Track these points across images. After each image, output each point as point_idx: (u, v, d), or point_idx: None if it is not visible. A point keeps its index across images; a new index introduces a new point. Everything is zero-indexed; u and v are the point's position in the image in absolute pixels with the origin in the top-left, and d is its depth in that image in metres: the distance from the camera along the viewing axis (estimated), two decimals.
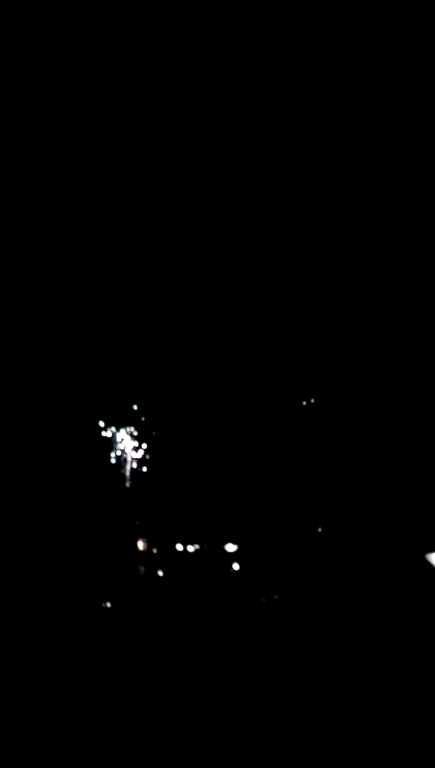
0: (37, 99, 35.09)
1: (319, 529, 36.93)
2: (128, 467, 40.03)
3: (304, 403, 36.99)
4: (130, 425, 39.55)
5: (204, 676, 16.53)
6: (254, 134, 36.37)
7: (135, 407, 39.21)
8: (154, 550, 40.47)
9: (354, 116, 34.97)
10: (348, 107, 34.89)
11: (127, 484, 40.19)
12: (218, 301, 37.87)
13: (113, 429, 39.30)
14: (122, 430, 39.67)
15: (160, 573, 39.85)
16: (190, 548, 40.08)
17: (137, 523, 40.15)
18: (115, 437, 39.60)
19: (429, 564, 33.15)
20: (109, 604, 34.16)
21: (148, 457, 40.12)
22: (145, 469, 40.16)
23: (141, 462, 40.07)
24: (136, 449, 39.83)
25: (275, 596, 33.91)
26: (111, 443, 39.48)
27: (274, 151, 36.44)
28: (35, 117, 35.44)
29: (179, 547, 40.06)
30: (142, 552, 40.46)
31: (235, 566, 38.71)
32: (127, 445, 39.81)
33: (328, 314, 36.77)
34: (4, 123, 34.81)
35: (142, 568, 40.03)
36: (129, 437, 39.54)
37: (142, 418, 39.44)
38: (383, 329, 36.31)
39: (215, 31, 33.76)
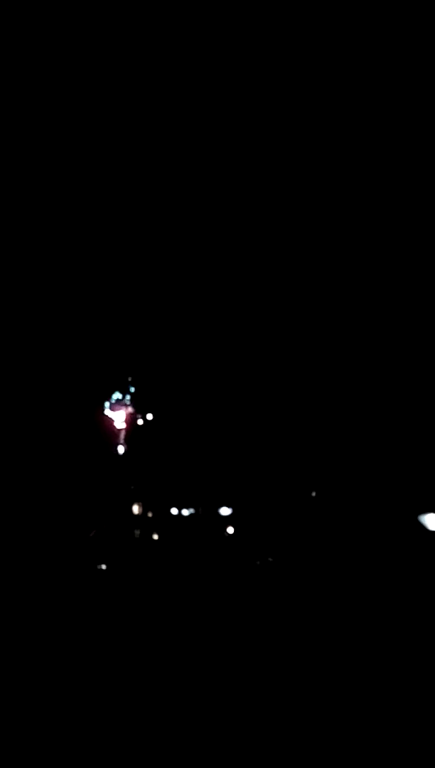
0: (38, 99, 34.77)
1: (313, 494, 37.23)
2: (123, 433, 40.16)
3: (300, 384, 37.17)
4: (124, 393, 39.65)
5: (200, 649, 16.74)
6: (254, 134, 36.14)
7: (129, 378, 39.36)
8: (150, 514, 40.75)
9: (354, 116, 34.76)
10: (348, 107, 34.66)
11: (122, 450, 40.34)
12: (218, 296, 37.93)
13: (108, 398, 39.42)
14: (117, 398, 39.76)
15: (156, 536, 40.15)
16: (185, 512, 40.37)
17: (132, 487, 40.36)
18: (110, 405, 39.70)
19: (422, 524, 33.53)
20: (104, 566, 34.49)
21: (143, 423, 40.26)
22: (140, 434, 40.31)
23: (136, 428, 40.20)
24: (131, 416, 39.96)
25: (270, 559, 34.25)
26: (106, 412, 39.60)
27: (274, 151, 36.23)
28: (35, 117, 35.14)
29: (174, 511, 40.36)
30: (138, 516, 40.73)
31: (230, 530, 39.05)
32: (122, 412, 39.93)
33: (327, 308, 36.86)
34: (5, 123, 34.51)
35: (137, 532, 40.32)
36: (124, 405, 39.64)
37: (137, 387, 39.56)
38: (382, 321, 36.45)
39: (215, 31, 33.40)
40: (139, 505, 40.88)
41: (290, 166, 36.09)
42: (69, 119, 35.65)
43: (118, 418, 39.96)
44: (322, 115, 35.08)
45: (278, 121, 35.65)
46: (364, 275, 36.02)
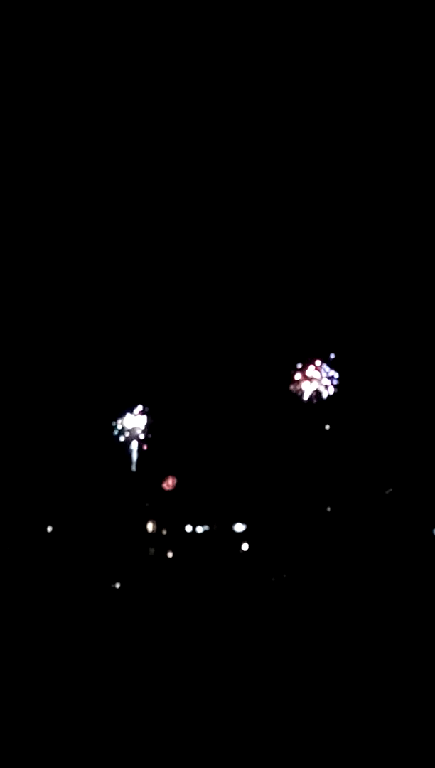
0: (38, 100, 35.08)
1: (328, 509, 37.18)
2: (136, 451, 40.23)
3: (308, 396, 37.19)
4: (139, 411, 39.69)
5: (210, 658, 16.78)
6: (254, 134, 36.30)
7: (143, 397, 39.42)
8: (164, 532, 40.72)
9: (354, 115, 34.89)
10: (347, 106, 34.80)
11: (136, 468, 40.40)
12: (218, 297, 38.03)
13: (122, 416, 39.50)
14: (131, 417, 39.81)
15: (170, 554, 40.12)
16: (199, 529, 40.31)
17: (147, 505, 40.38)
18: (124, 423, 39.79)
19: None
20: (118, 585, 34.54)
21: (157, 441, 40.26)
22: (153, 453, 40.33)
23: (150, 446, 40.24)
24: (145, 434, 40.01)
25: (284, 575, 34.17)
26: (120, 429, 39.70)
27: (274, 151, 36.37)
28: (36, 117, 35.44)
29: (188, 528, 40.30)
30: (152, 533, 40.73)
31: (244, 546, 38.98)
32: (136, 430, 40.00)
33: (327, 308, 36.91)
34: (5, 124, 34.85)
35: (151, 550, 40.29)
36: (139, 424, 39.70)
37: (151, 406, 39.60)
38: (382, 318, 36.47)
39: (216, 32, 33.65)
40: (153, 522, 40.89)
41: (290, 165, 36.23)
42: (69, 120, 35.97)
43: (133, 437, 40.06)
44: (321, 114, 35.23)
45: (278, 120, 35.82)
46: (364, 275, 36.08)
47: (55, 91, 35.02)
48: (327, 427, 37.13)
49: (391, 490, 35.50)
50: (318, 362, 37.10)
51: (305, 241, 36.73)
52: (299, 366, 37.36)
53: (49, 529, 39.51)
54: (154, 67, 35.03)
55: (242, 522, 39.21)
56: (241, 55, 34.46)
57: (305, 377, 36.93)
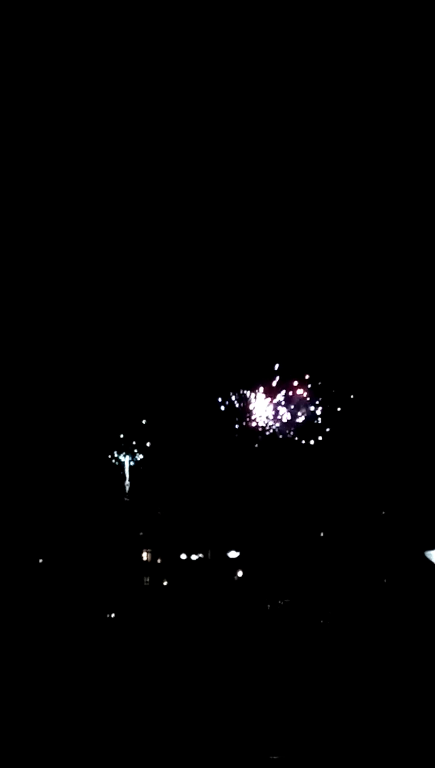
0: (39, 100, 35.23)
1: (321, 534, 37.29)
2: (129, 480, 40.30)
3: (304, 413, 37.30)
4: (133, 437, 39.78)
5: (209, 685, 16.87)
6: (254, 134, 36.53)
7: (142, 421, 39.49)
8: (159, 561, 40.75)
9: (353, 115, 35.15)
10: (347, 106, 35.07)
11: (130, 497, 40.49)
12: (219, 303, 38.06)
13: (118, 448, 39.55)
14: (126, 449, 39.88)
15: (165, 583, 40.13)
16: (194, 557, 40.37)
17: (141, 534, 40.42)
18: (119, 451, 39.87)
19: (429, 561, 33.53)
20: (114, 615, 34.49)
21: (150, 469, 40.36)
22: (147, 481, 40.43)
23: (143, 474, 40.33)
24: (138, 462, 40.10)
25: (280, 602, 34.22)
26: (115, 457, 39.78)
27: (274, 151, 36.58)
28: (36, 118, 35.57)
29: (183, 556, 40.36)
30: (147, 563, 40.74)
31: (239, 573, 39.04)
32: (129, 458, 40.08)
33: (327, 312, 37.00)
34: (5, 124, 34.98)
35: (147, 579, 40.29)
36: (132, 451, 39.78)
37: (145, 432, 39.70)
38: (382, 325, 36.56)
39: (216, 32, 33.93)
40: (147, 552, 40.92)
41: (289, 165, 36.48)
42: (70, 120, 36.16)
43: (126, 466, 40.14)
44: (321, 113, 35.52)
45: (277, 119, 36.10)
46: (364, 275, 36.28)
47: (55, 90, 35.12)
48: (319, 452, 37.34)
49: (384, 513, 35.66)
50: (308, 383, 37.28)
51: (305, 246, 36.82)
52: (296, 385, 37.46)
53: (41, 561, 39.48)
54: (153, 65, 35.21)
55: (236, 549, 39.30)
56: (240, 54, 34.66)
57: (300, 397, 37.10)
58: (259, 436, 37.78)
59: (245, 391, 37.75)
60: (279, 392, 37.48)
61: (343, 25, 33.36)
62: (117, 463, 39.84)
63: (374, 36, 33.48)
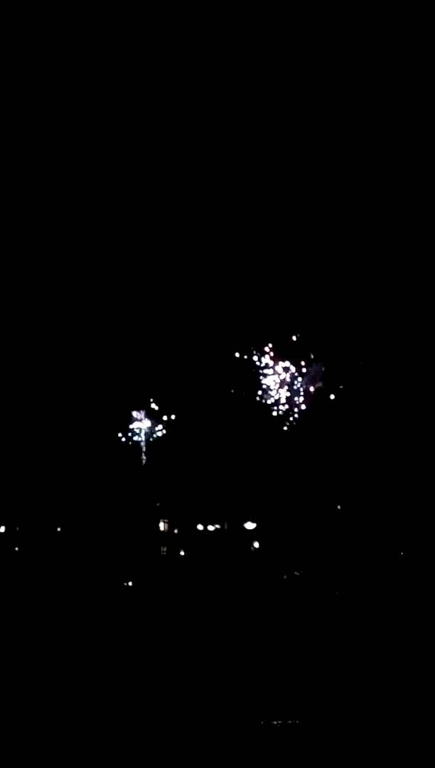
0: (39, 101, 35.20)
1: (338, 507, 37.43)
2: (145, 452, 40.42)
3: (313, 402, 37.37)
4: (149, 411, 39.86)
5: (221, 655, 17.05)
6: (254, 134, 36.41)
7: (152, 400, 39.62)
8: (175, 531, 41.03)
9: (353, 115, 35.01)
10: (347, 106, 34.91)
11: (147, 468, 40.64)
12: (220, 302, 38.20)
13: (134, 418, 39.66)
14: (142, 418, 39.96)
15: (182, 553, 40.42)
16: (211, 528, 40.60)
17: (158, 504, 40.65)
18: (134, 423, 39.97)
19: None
20: (131, 583, 34.84)
21: (168, 441, 40.45)
22: (164, 453, 40.55)
23: (161, 445, 40.43)
24: (155, 434, 40.20)
25: (296, 573, 34.42)
26: (132, 430, 39.89)
27: (274, 151, 36.47)
28: (37, 118, 35.56)
29: (199, 527, 40.58)
30: (164, 533, 41.03)
31: (256, 544, 39.25)
32: (146, 430, 40.18)
33: (328, 311, 37.08)
34: (6, 124, 34.98)
35: (164, 549, 40.59)
36: (148, 422, 39.86)
37: (160, 405, 39.78)
38: (382, 321, 36.64)
39: (216, 32, 33.76)
40: (165, 522, 41.17)
41: (289, 165, 36.34)
42: (70, 120, 36.06)
43: (143, 439, 40.27)
44: (321, 114, 35.34)
45: (277, 119, 35.93)
46: (364, 276, 36.23)
47: (55, 90, 35.05)
48: (334, 425, 37.38)
49: (402, 486, 35.74)
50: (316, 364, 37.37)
51: (304, 246, 36.83)
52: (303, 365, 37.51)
53: (59, 529, 39.83)
54: (153, 65, 35.07)
55: (253, 520, 39.48)
56: (240, 54, 34.49)
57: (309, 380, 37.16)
58: (278, 410, 37.82)
59: (264, 368, 37.74)
60: (297, 366, 37.48)
61: (343, 26, 33.16)
62: (135, 435, 40.01)
63: (374, 36, 33.27)
